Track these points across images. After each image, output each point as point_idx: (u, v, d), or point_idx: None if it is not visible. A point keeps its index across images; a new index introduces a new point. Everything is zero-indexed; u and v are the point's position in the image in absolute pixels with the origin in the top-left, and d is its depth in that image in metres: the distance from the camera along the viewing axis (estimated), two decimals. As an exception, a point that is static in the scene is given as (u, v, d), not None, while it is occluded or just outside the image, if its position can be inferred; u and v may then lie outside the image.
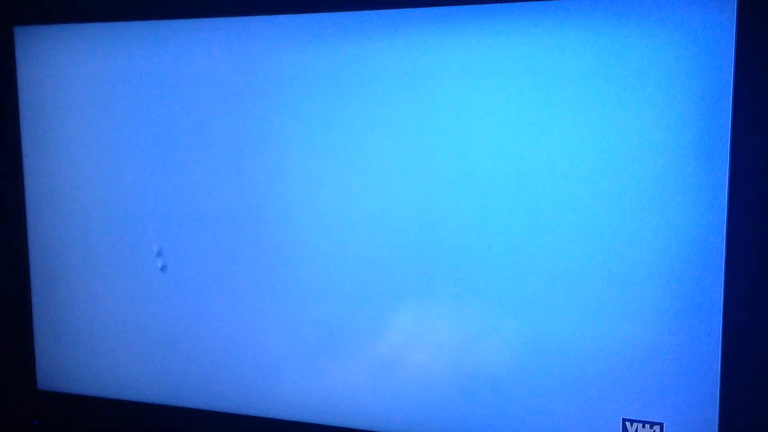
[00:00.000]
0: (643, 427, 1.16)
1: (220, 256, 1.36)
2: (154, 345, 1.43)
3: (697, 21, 1.06)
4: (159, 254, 1.38)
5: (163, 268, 1.38)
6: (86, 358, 1.46)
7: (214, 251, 1.37)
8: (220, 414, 1.39)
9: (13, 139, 1.47)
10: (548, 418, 1.19)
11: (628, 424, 1.17)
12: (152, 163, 1.41)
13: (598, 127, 1.10)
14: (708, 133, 1.07)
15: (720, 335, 1.10)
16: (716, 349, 1.10)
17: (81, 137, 1.42)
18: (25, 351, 1.49)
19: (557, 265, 1.15)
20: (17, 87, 1.46)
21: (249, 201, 1.32)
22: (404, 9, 1.20)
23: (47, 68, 1.43)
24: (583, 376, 1.17)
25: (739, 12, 1.03)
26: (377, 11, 1.22)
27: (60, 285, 1.47)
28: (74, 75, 1.42)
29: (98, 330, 1.45)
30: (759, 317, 1.08)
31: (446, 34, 1.18)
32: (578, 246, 1.14)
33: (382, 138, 1.21)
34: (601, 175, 1.12)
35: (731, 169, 1.06)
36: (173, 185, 1.41)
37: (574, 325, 1.16)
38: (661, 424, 1.15)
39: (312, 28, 1.25)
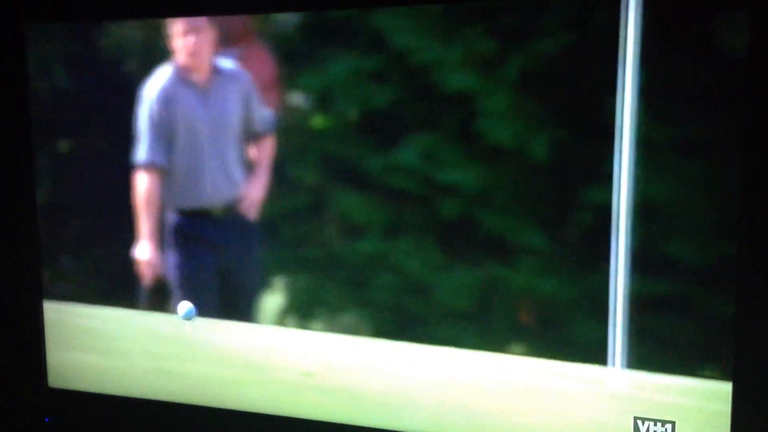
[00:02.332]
0: (655, 425, 1.18)
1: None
2: (163, 343, 1.50)
3: None
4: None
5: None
6: (96, 356, 1.52)
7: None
8: (229, 411, 1.43)
9: (23, 134, 1.52)
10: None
11: (639, 422, 1.19)
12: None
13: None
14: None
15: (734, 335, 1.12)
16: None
17: (91, 133, 1.49)
18: (36, 350, 1.55)
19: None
20: (28, 82, 1.51)
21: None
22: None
23: (57, 64, 1.49)
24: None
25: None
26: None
27: (69, 283, 1.54)
28: (84, 71, 1.49)
29: (108, 328, 1.52)
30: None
31: None
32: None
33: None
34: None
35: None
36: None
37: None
38: (673, 423, 1.17)
39: None
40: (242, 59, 1.39)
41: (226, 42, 1.39)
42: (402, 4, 1.25)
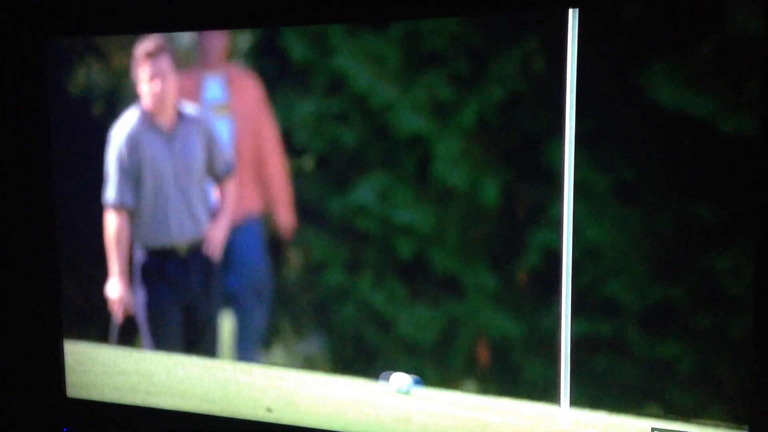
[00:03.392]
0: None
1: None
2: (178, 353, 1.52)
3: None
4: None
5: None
6: (112, 368, 1.54)
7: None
8: (244, 421, 1.44)
9: (43, 145, 1.55)
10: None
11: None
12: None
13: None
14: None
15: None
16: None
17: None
18: (55, 361, 1.56)
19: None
20: (47, 96, 1.53)
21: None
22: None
23: (75, 78, 1.52)
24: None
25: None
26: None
27: (88, 296, 1.56)
28: (102, 86, 1.52)
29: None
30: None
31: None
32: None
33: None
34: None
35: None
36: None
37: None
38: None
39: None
40: (229, 82, 1.44)
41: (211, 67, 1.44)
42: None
